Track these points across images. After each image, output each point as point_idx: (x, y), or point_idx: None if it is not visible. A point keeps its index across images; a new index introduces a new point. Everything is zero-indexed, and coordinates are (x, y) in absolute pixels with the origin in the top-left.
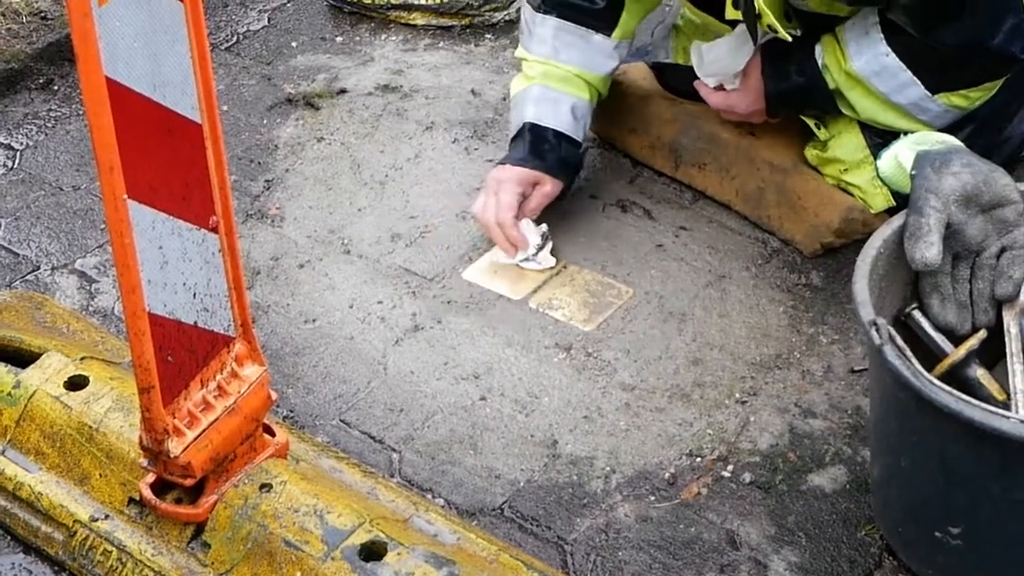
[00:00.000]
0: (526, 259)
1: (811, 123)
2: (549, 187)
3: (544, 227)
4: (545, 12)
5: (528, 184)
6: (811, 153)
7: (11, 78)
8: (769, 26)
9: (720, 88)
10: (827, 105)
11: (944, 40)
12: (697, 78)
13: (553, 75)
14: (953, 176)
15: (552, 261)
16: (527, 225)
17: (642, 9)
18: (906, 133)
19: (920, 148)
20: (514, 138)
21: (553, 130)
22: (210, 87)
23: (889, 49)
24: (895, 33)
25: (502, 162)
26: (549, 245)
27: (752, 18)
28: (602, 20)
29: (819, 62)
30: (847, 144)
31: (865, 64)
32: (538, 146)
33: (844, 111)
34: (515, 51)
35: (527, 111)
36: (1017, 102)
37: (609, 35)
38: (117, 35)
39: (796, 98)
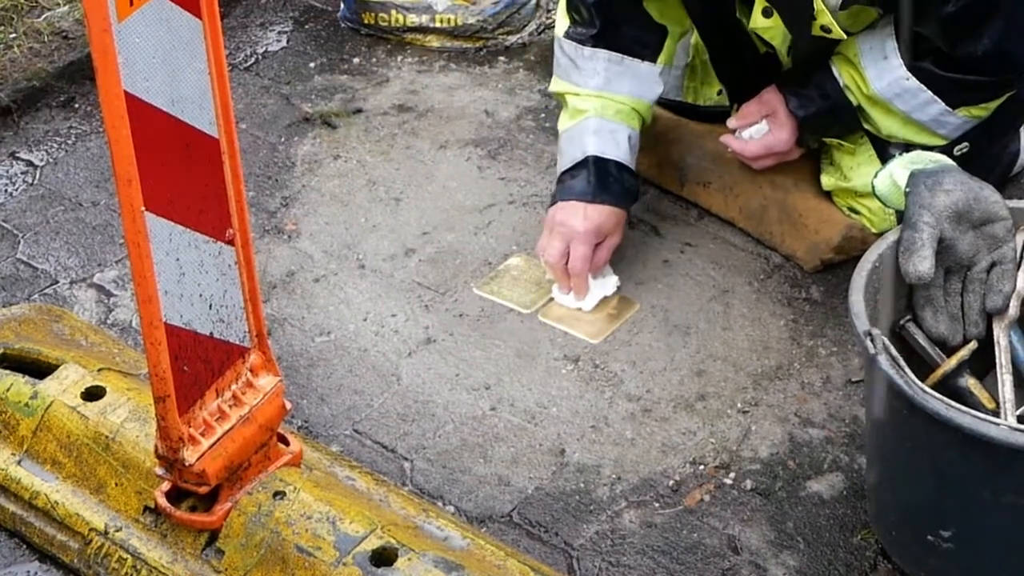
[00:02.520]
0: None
1: (834, 152)
2: (616, 238)
3: (616, 280)
4: (595, 46)
5: (601, 236)
6: (828, 180)
7: (33, 96)
8: (823, 27)
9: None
10: (852, 123)
11: (971, 51)
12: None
13: (609, 108)
14: (945, 194)
15: (593, 303)
16: (602, 279)
17: (679, 32)
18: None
19: (914, 167)
20: (569, 170)
21: (615, 162)
22: (227, 102)
23: (909, 74)
24: (915, 58)
25: (563, 197)
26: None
27: (800, 24)
28: (648, 47)
29: (840, 83)
30: (867, 175)
31: (887, 87)
32: (603, 179)
33: (867, 128)
34: (551, 85)
35: (588, 144)
36: (1010, 124)
37: (655, 62)
38: (136, 50)
39: (824, 121)
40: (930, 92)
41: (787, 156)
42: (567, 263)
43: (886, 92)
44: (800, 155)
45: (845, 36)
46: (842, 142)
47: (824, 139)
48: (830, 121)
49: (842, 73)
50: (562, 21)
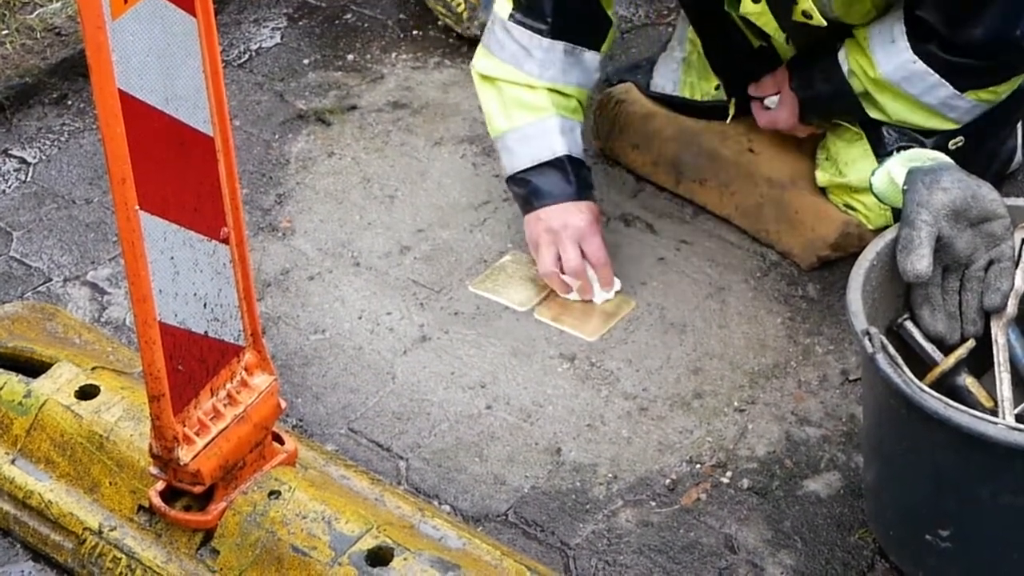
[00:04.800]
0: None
1: (830, 146)
2: (599, 225)
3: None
4: (553, 37)
5: (599, 223)
6: (823, 177)
7: (25, 92)
8: (804, 12)
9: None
10: (854, 109)
11: (971, 36)
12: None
13: (563, 105)
14: (943, 191)
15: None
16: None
17: (615, 18)
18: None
19: (912, 165)
20: (532, 170)
21: (581, 160)
22: (222, 100)
23: (916, 57)
24: (921, 41)
25: (547, 201)
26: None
27: (782, 9)
28: (597, 36)
29: (843, 68)
30: (863, 170)
31: (894, 71)
32: (581, 178)
33: (873, 114)
34: (481, 63)
35: (556, 144)
36: (1006, 120)
37: (599, 51)
38: (130, 48)
39: (824, 104)
40: (937, 75)
41: (794, 133)
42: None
43: (893, 76)
44: (809, 133)
45: (825, 23)
46: (842, 123)
47: (827, 122)
48: (829, 105)
49: (850, 58)
50: (504, 2)
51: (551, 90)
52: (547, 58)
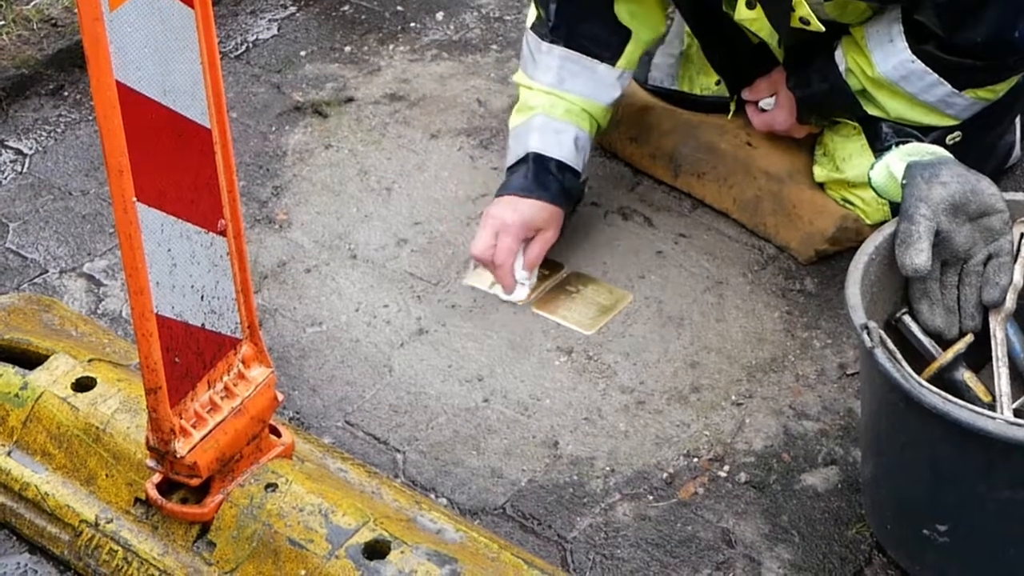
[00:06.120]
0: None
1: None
2: (551, 234)
3: (535, 274)
4: (552, 41)
5: (531, 231)
6: (821, 172)
7: (22, 83)
8: (802, 19)
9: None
10: (852, 108)
11: (969, 37)
12: (701, 106)
13: (557, 106)
14: (942, 186)
15: (524, 295)
16: (519, 270)
17: (648, 40)
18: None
19: (911, 159)
20: (513, 166)
21: (556, 160)
22: (219, 92)
23: (915, 57)
24: (919, 42)
25: (500, 193)
26: (532, 282)
27: (779, 15)
28: (608, 49)
29: (840, 67)
30: (860, 166)
31: (892, 70)
32: (541, 176)
33: (871, 112)
34: (515, 75)
35: (531, 141)
36: (1004, 115)
37: (613, 65)
38: (128, 40)
39: (821, 103)
40: (936, 74)
41: (791, 133)
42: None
43: (892, 74)
44: (806, 133)
45: (823, 29)
46: (841, 120)
47: (825, 121)
48: (828, 103)
49: (847, 56)
50: (532, 11)
51: (547, 93)
52: (544, 63)
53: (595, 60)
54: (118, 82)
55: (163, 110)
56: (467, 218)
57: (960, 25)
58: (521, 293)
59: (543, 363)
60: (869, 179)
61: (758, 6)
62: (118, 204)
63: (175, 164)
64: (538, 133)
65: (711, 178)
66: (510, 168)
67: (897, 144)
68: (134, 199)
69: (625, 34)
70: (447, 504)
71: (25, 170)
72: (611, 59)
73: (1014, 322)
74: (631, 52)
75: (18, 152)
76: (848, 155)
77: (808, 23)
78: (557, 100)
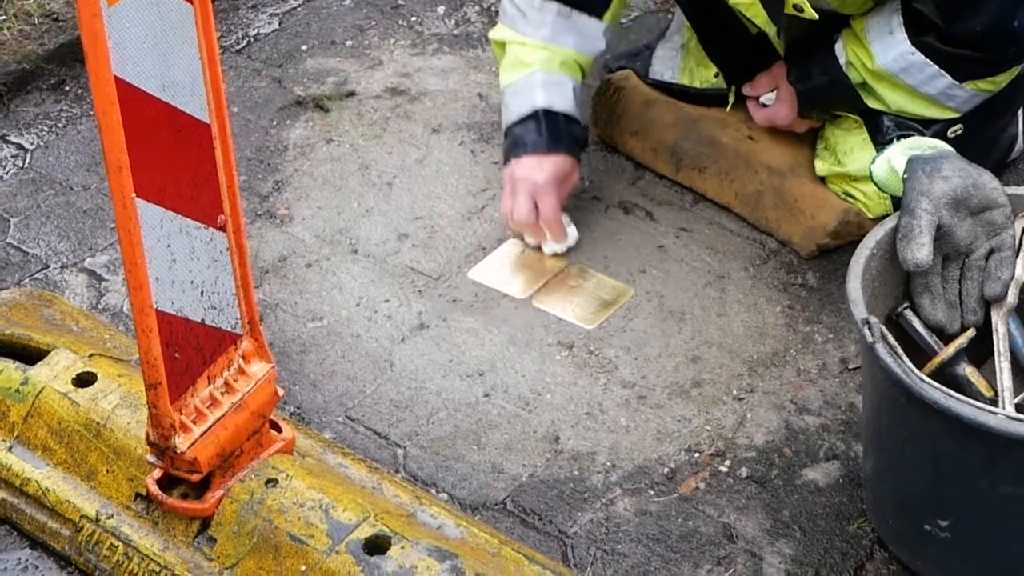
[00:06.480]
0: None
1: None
2: (574, 178)
3: (575, 232)
4: None
5: (560, 184)
6: (822, 166)
7: (23, 78)
8: (795, 6)
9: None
10: (853, 101)
11: (969, 27)
12: (702, 99)
13: (554, 60)
14: (944, 180)
15: (574, 239)
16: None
17: None
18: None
19: (912, 153)
20: (517, 124)
21: (563, 114)
22: (219, 87)
23: (915, 48)
24: (919, 33)
25: (516, 153)
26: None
27: (774, 1)
28: (598, 3)
29: (841, 60)
30: (861, 159)
31: (892, 62)
32: (554, 131)
33: (872, 104)
34: (492, 32)
35: (536, 97)
36: (1006, 108)
37: (601, 18)
38: (126, 35)
39: (822, 96)
40: (936, 66)
41: (793, 128)
42: (537, 218)
43: (892, 66)
44: (808, 127)
45: (816, 16)
46: (842, 114)
47: (826, 115)
48: (829, 96)
49: (847, 49)
50: None
51: (543, 48)
52: (539, 18)
53: (584, 14)
54: (117, 78)
55: (162, 105)
56: (468, 212)
57: (959, 15)
58: (572, 238)
59: (544, 358)
60: (870, 173)
61: None
62: (117, 200)
63: (174, 160)
64: (542, 89)
65: (712, 172)
66: (515, 126)
67: (898, 138)
68: (133, 195)
69: None
70: (448, 499)
71: (26, 165)
72: (599, 12)
73: (1016, 317)
74: (616, 6)
75: (19, 147)
76: (849, 149)
77: (801, 10)
78: (552, 54)
